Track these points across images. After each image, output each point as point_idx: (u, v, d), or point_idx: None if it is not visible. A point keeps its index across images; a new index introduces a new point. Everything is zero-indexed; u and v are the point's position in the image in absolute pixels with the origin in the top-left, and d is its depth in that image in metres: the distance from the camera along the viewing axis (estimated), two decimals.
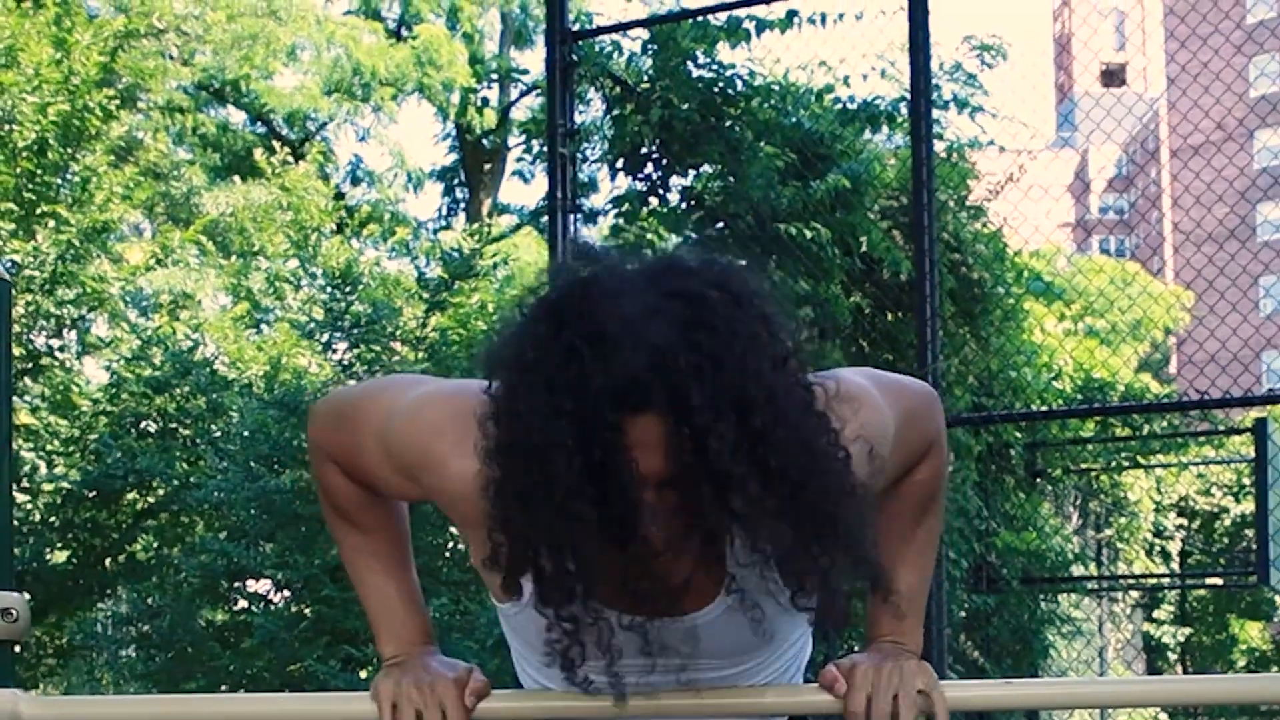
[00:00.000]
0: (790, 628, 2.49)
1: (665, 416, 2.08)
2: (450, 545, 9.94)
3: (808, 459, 2.15)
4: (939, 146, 8.38)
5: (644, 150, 8.02)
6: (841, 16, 7.71)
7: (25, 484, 12.62)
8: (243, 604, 10.17)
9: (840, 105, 8.44)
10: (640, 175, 8.10)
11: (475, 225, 19.81)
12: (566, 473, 2.07)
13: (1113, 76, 79.35)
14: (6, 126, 12.61)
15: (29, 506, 12.65)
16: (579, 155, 7.58)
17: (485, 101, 30.25)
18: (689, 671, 2.47)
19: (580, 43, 7.62)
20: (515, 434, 2.16)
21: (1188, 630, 16.80)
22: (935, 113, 7.74)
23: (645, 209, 8.28)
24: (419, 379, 2.57)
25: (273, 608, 9.71)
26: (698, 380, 2.09)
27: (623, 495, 2.09)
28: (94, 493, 12.77)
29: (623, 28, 8.12)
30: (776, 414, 2.14)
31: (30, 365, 13.12)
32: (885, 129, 8.71)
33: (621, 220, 8.26)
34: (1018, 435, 11.18)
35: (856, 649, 2.48)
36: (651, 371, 2.08)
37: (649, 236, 7.99)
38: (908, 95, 7.40)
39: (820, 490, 2.15)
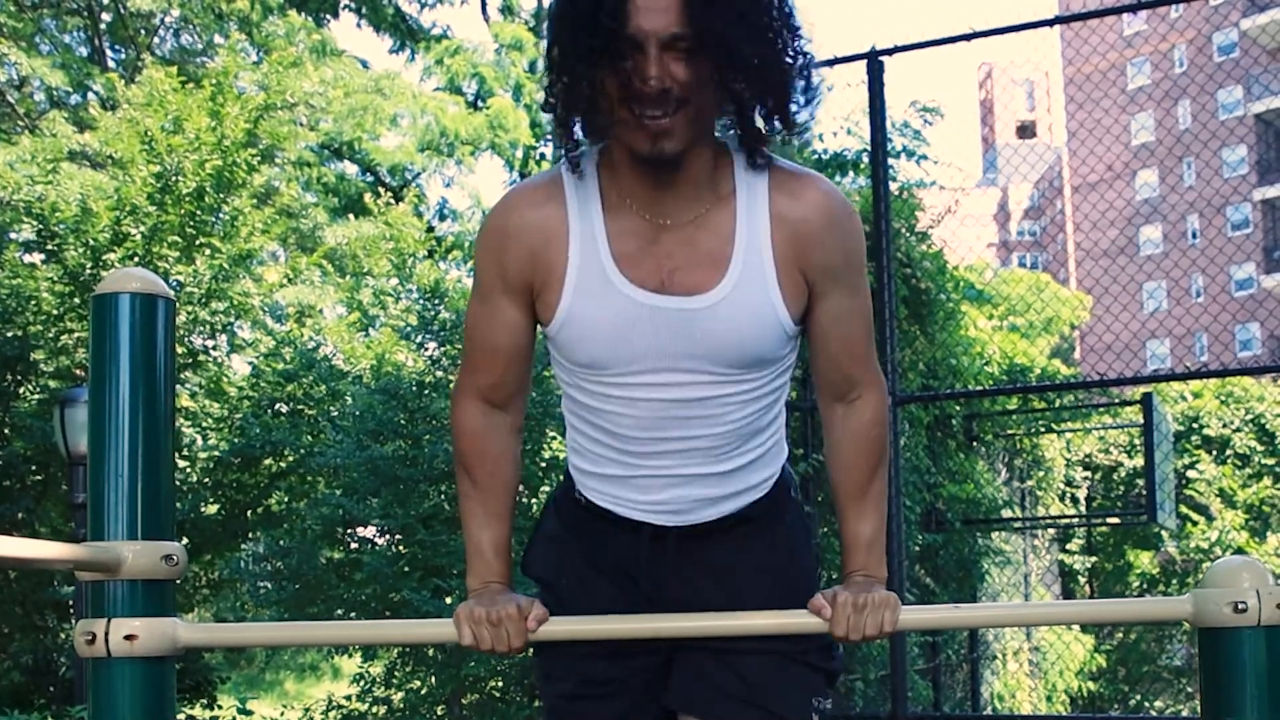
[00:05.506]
0: (775, 348, 2.34)
1: None
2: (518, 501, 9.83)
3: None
4: (893, 186, 8.31)
5: None
6: None
7: (185, 453, 12.63)
8: (354, 545, 10.09)
9: (817, 156, 8.37)
10: None
11: None
12: (586, 28, 2.07)
13: (1025, 130, 79.10)
14: (174, 178, 12.58)
15: (188, 470, 12.64)
16: None
17: (542, 156, 30.31)
18: (694, 465, 2.38)
19: None
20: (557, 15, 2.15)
21: (1093, 559, 16.75)
22: (889, 160, 7.63)
23: None
24: None
25: (377, 548, 9.60)
26: None
27: (629, 44, 2.07)
28: (238, 459, 12.73)
29: None
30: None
31: (190, 361, 13.10)
32: (852, 173, 8.64)
33: None
34: (957, 409, 11.10)
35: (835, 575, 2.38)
36: None
37: None
38: (868, 147, 7.33)
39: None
